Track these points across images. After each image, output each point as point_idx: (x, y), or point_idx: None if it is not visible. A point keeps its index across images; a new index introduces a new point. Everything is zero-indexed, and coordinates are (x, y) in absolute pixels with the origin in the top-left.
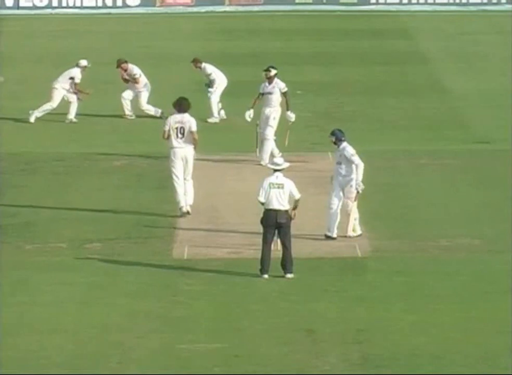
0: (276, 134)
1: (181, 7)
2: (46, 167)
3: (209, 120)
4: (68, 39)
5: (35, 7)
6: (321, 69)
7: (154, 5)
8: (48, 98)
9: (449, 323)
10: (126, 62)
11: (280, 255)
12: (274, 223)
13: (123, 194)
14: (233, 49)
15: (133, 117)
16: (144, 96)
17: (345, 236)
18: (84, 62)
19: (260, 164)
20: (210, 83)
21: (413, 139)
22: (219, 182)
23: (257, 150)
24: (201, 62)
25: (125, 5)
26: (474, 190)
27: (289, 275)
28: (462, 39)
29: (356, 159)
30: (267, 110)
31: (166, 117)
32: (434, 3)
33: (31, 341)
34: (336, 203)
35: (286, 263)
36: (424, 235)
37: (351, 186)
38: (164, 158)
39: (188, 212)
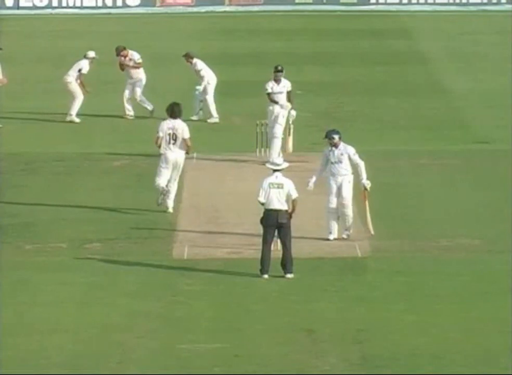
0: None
1: (181, 7)
2: (46, 167)
3: (209, 120)
4: (68, 39)
5: (35, 7)
6: (321, 69)
7: (154, 5)
8: (72, 95)
9: (449, 323)
10: (125, 48)
11: (280, 256)
12: (275, 223)
13: (123, 193)
14: (233, 49)
15: (133, 117)
16: (138, 89)
17: (371, 235)
18: (91, 54)
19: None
20: (199, 80)
21: (413, 139)
22: (220, 181)
23: (257, 150)
24: (192, 58)
25: (125, 5)
26: (474, 190)
27: (289, 275)
28: (462, 39)
29: (358, 157)
30: (277, 109)
31: (152, 112)
32: (434, 3)
33: (31, 341)
34: (336, 205)
35: (286, 263)
36: (424, 235)
37: (349, 181)
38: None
39: (166, 191)
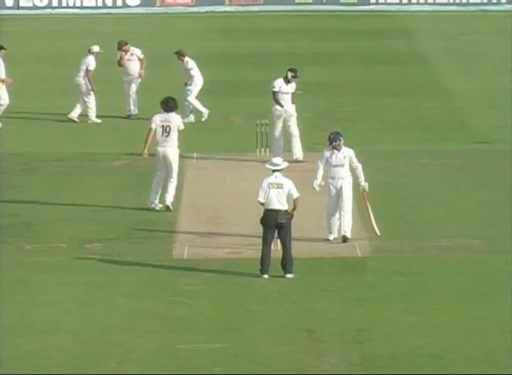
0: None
1: (181, 7)
2: (46, 167)
3: (203, 119)
4: (68, 39)
5: (35, 7)
6: (321, 69)
7: (154, 5)
8: (83, 97)
9: (449, 323)
10: (126, 43)
11: (280, 256)
12: (275, 223)
13: (123, 193)
14: (233, 49)
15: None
16: (134, 86)
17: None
18: (96, 48)
19: (301, 161)
20: (188, 79)
21: (413, 139)
22: (220, 181)
23: (257, 150)
24: (184, 56)
25: (125, 5)
26: (474, 190)
27: (289, 275)
28: (462, 39)
29: (356, 160)
30: (291, 109)
31: (135, 116)
32: (434, 3)
33: (31, 341)
34: (335, 207)
35: (286, 263)
36: (424, 235)
37: (349, 183)
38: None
39: (167, 208)
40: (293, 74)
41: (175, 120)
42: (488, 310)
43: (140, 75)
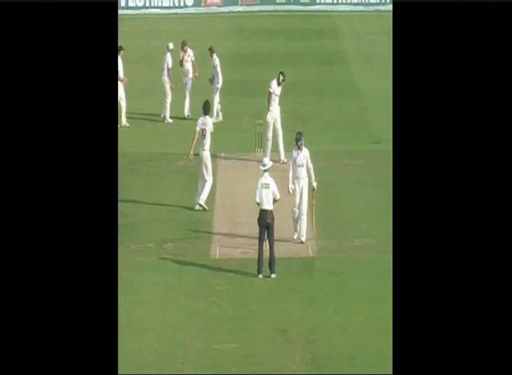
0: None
1: (215, 7)
2: (143, 167)
3: (215, 120)
4: (154, 39)
5: (136, 7)
6: (291, 69)
7: (199, 6)
8: (165, 95)
9: (361, 323)
10: (186, 44)
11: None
12: (265, 224)
13: (185, 193)
14: (239, 49)
15: (190, 117)
16: (189, 87)
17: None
18: (171, 45)
19: (284, 162)
20: (214, 76)
21: (342, 139)
22: (235, 181)
23: (256, 150)
24: (214, 52)
25: (185, 5)
26: (375, 190)
27: (273, 275)
28: (367, 39)
29: (310, 160)
30: (278, 110)
31: (187, 117)
32: (351, 3)
33: (133, 341)
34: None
35: (271, 263)
36: (346, 235)
37: (306, 184)
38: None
39: (202, 208)
40: (283, 77)
41: (209, 123)
42: (387, 309)
43: (196, 77)
